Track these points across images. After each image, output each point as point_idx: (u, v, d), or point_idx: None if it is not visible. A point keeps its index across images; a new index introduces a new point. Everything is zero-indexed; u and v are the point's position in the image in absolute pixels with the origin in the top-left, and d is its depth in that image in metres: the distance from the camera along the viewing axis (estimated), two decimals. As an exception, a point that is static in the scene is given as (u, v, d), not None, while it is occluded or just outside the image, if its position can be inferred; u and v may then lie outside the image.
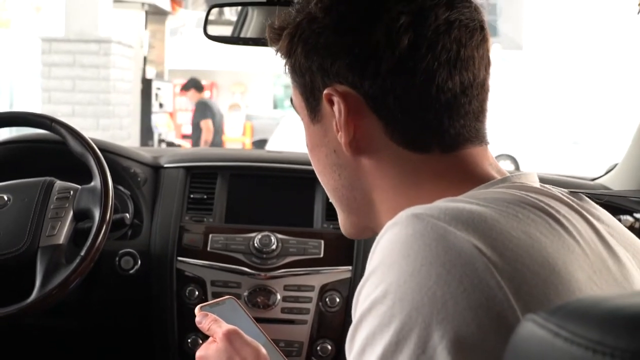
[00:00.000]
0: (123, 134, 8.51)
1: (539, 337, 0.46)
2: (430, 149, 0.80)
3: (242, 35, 1.68)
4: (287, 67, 0.87)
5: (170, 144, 10.09)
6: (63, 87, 8.08)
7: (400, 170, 0.81)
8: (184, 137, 11.67)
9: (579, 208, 0.78)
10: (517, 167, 13.20)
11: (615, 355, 0.41)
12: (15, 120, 1.67)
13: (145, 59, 10.19)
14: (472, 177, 0.80)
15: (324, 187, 0.91)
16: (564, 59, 15.97)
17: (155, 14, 10.97)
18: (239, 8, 1.67)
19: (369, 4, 0.79)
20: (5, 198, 1.55)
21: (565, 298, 0.65)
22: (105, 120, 8.11)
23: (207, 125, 8.38)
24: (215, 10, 1.78)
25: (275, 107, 18.49)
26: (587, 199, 0.84)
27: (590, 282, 0.69)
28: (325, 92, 0.81)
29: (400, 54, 0.77)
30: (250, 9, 1.65)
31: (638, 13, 1.53)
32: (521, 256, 0.65)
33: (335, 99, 0.80)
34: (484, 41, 0.82)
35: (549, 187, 0.81)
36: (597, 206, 0.85)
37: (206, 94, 9.11)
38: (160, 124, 10.25)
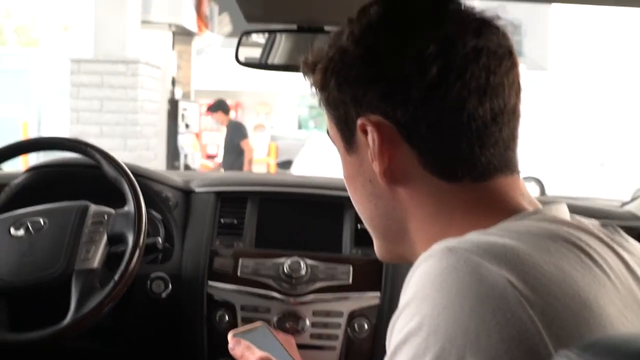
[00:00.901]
0: (150, 154, 8.60)
1: (573, 373, 0.47)
2: (462, 178, 0.81)
3: (270, 59, 1.71)
4: (321, 100, 0.88)
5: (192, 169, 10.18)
6: (91, 107, 8.20)
7: (433, 200, 0.82)
8: (209, 157, 11.76)
9: (610, 242, 0.79)
10: (543, 190, 13.13)
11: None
12: (52, 145, 1.71)
13: (173, 79, 10.31)
14: (503, 208, 0.80)
15: (360, 215, 0.92)
16: (589, 80, 15.88)
17: (182, 35, 11.10)
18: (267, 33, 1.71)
19: (397, 33, 0.80)
20: (42, 222, 1.58)
21: (597, 332, 0.66)
22: (133, 141, 8.20)
23: (247, 145, 8.51)
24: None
25: (299, 127, 18.58)
26: (619, 230, 0.85)
27: (621, 317, 0.70)
28: (359, 122, 0.82)
29: (430, 82, 0.78)
30: (278, 34, 1.69)
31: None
32: (553, 290, 0.66)
33: (369, 128, 0.81)
34: (513, 67, 0.82)
35: (580, 219, 0.82)
36: (629, 238, 0.85)
37: (231, 115, 9.16)
38: (187, 145, 10.33)
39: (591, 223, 0.83)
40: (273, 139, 14.35)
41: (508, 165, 0.83)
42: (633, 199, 2.06)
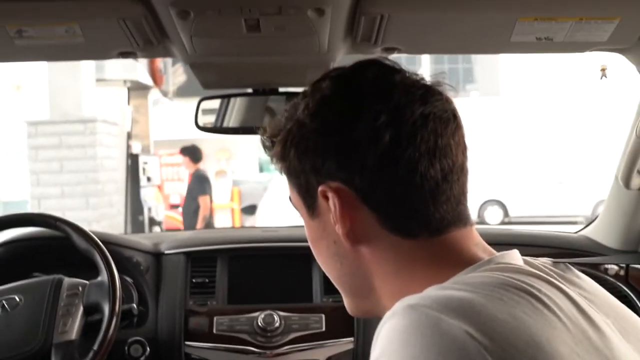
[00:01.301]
0: (113, 211, 8.55)
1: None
2: (418, 234, 0.86)
3: (225, 123, 1.76)
4: (282, 169, 0.94)
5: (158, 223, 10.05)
6: (51, 168, 8.14)
7: (394, 257, 0.88)
8: (172, 207, 11.68)
9: (560, 283, 0.85)
10: (506, 212, 13.31)
11: None
12: (21, 221, 1.74)
13: (129, 134, 10.28)
14: (459, 260, 0.86)
15: (328, 275, 0.97)
16: (542, 103, 16.20)
17: (137, 89, 11.10)
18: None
19: (349, 106, 0.87)
20: (17, 299, 1.60)
21: None
22: (95, 199, 8.15)
23: (205, 202, 8.19)
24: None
25: (261, 170, 18.57)
26: (570, 267, 0.92)
27: (573, 354, 0.75)
28: (319, 189, 0.88)
29: (383, 150, 0.84)
30: (232, 98, 1.74)
31: (601, 78, 1.63)
32: (508, 337, 0.71)
33: (330, 195, 0.87)
34: (458, 129, 0.89)
35: (531, 263, 0.89)
36: (580, 274, 0.92)
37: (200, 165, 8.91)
38: (149, 198, 10.28)
39: (543, 264, 0.89)
40: (235, 183, 14.33)
41: (461, 218, 0.89)
42: (588, 224, 2.14)
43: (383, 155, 0.84)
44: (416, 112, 0.85)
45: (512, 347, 0.71)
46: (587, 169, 13.29)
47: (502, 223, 13.27)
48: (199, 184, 8.33)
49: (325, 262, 0.95)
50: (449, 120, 0.88)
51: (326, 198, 0.88)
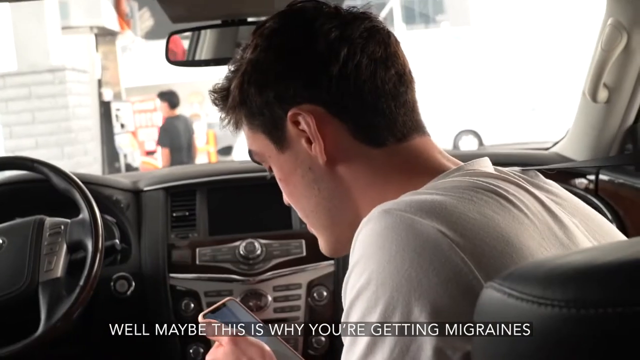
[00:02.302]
0: (89, 159, 8.51)
1: (496, 299, 0.55)
2: (385, 140, 0.91)
3: (197, 56, 1.77)
4: (241, 119, 0.96)
5: (135, 169, 9.96)
6: (23, 120, 8.05)
7: (368, 169, 0.92)
8: (148, 153, 11.63)
9: (526, 185, 0.89)
10: (480, 141, 13.40)
11: (554, 305, 0.50)
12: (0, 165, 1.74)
13: (100, 81, 10.17)
14: (429, 167, 0.91)
15: (302, 213, 1.00)
16: (513, 31, 16.16)
17: (105, 35, 10.94)
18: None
19: (300, 30, 0.92)
20: (0, 241, 1.62)
21: (520, 264, 0.75)
22: (70, 148, 8.09)
23: (164, 153, 8.08)
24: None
25: (235, 112, 18.45)
26: (538, 174, 0.96)
27: (540, 248, 0.79)
28: (289, 114, 0.91)
29: (343, 60, 0.89)
30: (203, 30, 1.74)
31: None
32: (479, 234, 0.75)
33: (301, 117, 0.90)
34: (397, 43, 0.96)
35: (500, 169, 0.92)
36: (546, 179, 0.96)
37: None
38: (124, 145, 10.23)
39: (510, 171, 0.93)
40: (210, 126, 14.26)
41: (420, 126, 0.95)
42: (558, 141, 2.19)
43: (344, 66, 0.89)
44: (361, 27, 0.92)
45: (482, 242, 0.75)
46: (560, 96, 13.37)
47: (477, 152, 13.34)
48: (162, 135, 8.12)
49: (301, 195, 0.98)
50: (390, 33, 0.95)
51: (296, 123, 0.91)
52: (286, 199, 1.02)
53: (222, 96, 0.97)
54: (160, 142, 8.14)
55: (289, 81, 0.91)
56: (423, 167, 0.91)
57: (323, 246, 1.04)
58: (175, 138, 8.03)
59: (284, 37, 0.92)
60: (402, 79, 0.93)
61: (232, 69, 0.96)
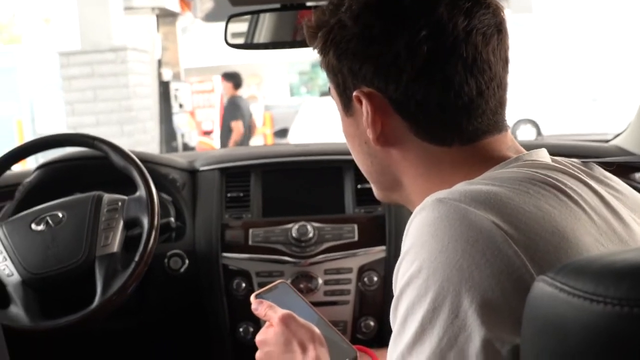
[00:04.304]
0: (147, 137, 8.64)
1: (548, 293, 0.54)
2: (451, 143, 0.89)
3: (255, 39, 1.77)
4: (322, 63, 0.96)
5: (191, 149, 10.14)
6: (85, 98, 8.22)
7: (424, 161, 0.91)
8: (205, 133, 11.76)
9: (586, 178, 0.87)
10: (539, 131, 13.18)
11: (607, 302, 0.49)
12: (60, 142, 1.78)
13: (160, 61, 10.30)
14: (489, 160, 0.89)
15: (359, 167, 1.01)
16: (575, 18, 15.81)
17: (166, 16, 11.05)
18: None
19: (392, 17, 0.87)
20: (60, 215, 1.67)
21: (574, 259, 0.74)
22: (129, 126, 8.24)
23: (237, 126, 8.37)
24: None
25: (292, 94, 18.53)
26: (596, 167, 0.94)
27: (597, 244, 0.78)
28: (354, 93, 0.91)
29: (419, 65, 0.85)
30: (262, 14, 1.75)
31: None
32: (534, 227, 0.75)
33: (363, 100, 0.90)
34: (501, 43, 0.89)
35: (558, 161, 0.91)
36: (606, 173, 0.94)
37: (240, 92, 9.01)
38: (182, 124, 10.36)
39: (571, 163, 0.91)
40: (267, 108, 14.34)
41: (496, 127, 0.91)
42: (619, 134, 2.14)
43: (419, 70, 0.85)
44: (458, 27, 0.85)
45: (537, 236, 0.74)
46: (623, 86, 13.05)
47: (535, 142, 13.09)
48: (232, 111, 8.46)
49: (357, 157, 1.00)
50: (492, 36, 0.88)
51: (360, 102, 0.91)
52: None
53: (312, 34, 0.96)
54: (232, 116, 8.41)
55: (364, 62, 0.89)
56: (483, 161, 0.89)
57: (375, 193, 1.04)
58: (240, 115, 8.29)
59: (373, 16, 0.88)
60: (484, 92, 0.87)
61: (330, 9, 0.92)
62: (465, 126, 0.88)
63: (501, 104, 0.91)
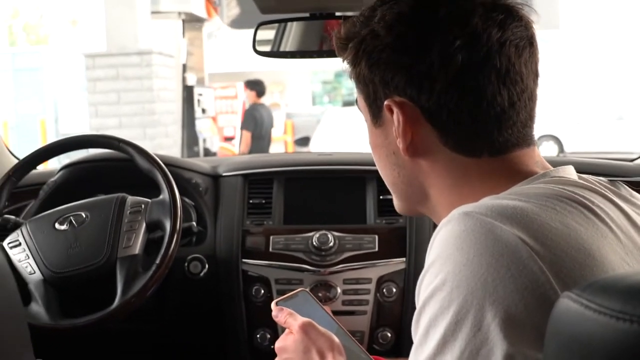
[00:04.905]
0: (169, 141, 8.70)
1: (573, 310, 0.54)
2: (480, 154, 0.89)
3: (282, 47, 1.79)
4: (352, 74, 0.96)
5: (213, 154, 10.17)
6: (109, 100, 8.29)
7: (453, 172, 0.91)
8: (227, 139, 11.81)
9: (613, 197, 0.87)
10: (562, 148, 13.10)
11: (634, 320, 0.49)
12: (87, 143, 1.80)
13: (184, 66, 10.36)
14: (517, 175, 0.89)
15: (384, 179, 1.01)
16: (602, 36, 15.72)
17: (192, 22, 11.13)
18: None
19: (426, 27, 0.87)
20: (84, 215, 1.68)
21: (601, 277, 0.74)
22: (152, 130, 8.29)
23: (246, 136, 8.33)
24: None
25: (314, 103, 18.59)
26: (623, 186, 0.93)
27: (622, 263, 0.77)
28: (385, 103, 0.91)
29: (452, 75, 0.86)
30: (289, 22, 1.76)
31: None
32: (559, 244, 0.74)
33: (395, 109, 0.90)
34: (532, 56, 0.90)
35: (585, 178, 0.90)
36: (633, 192, 0.93)
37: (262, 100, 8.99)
38: (204, 129, 10.41)
39: (597, 180, 0.91)
40: (288, 116, 14.39)
41: (525, 140, 0.91)
42: (644, 153, 2.12)
43: (453, 80, 0.86)
44: (492, 39, 0.86)
45: (562, 253, 0.74)
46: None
47: (557, 159, 12.99)
48: (246, 119, 8.42)
49: (383, 168, 0.99)
50: (525, 48, 0.88)
51: (391, 111, 0.91)
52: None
53: (342, 45, 0.96)
54: (245, 125, 8.38)
55: (396, 72, 0.89)
56: (511, 175, 0.89)
57: (396, 206, 1.04)
58: (259, 124, 8.26)
59: (407, 27, 0.89)
60: (516, 103, 0.88)
61: (361, 20, 0.93)
62: (496, 137, 0.88)
63: (531, 117, 0.91)
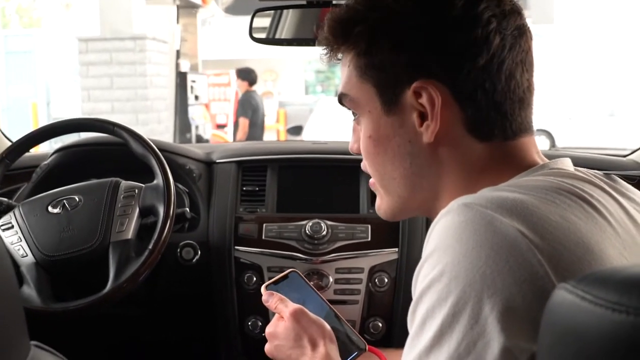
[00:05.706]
0: (161, 127, 8.68)
1: (569, 301, 0.54)
2: (495, 137, 0.90)
3: (277, 34, 1.78)
4: (354, 62, 0.93)
5: (205, 141, 10.15)
6: (101, 85, 8.27)
7: (467, 159, 0.91)
8: (219, 126, 11.78)
9: (611, 190, 0.87)
10: (553, 142, 13.13)
11: (630, 312, 0.49)
12: (81, 126, 1.79)
13: (178, 52, 10.32)
14: (521, 164, 0.90)
15: (380, 175, 0.98)
16: (596, 32, 15.74)
17: (186, 8, 11.08)
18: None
19: (463, 5, 0.88)
20: (77, 199, 1.68)
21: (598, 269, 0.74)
22: (144, 115, 8.28)
23: (243, 123, 8.32)
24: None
25: (307, 92, 18.56)
26: (619, 180, 0.93)
27: (620, 257, 0.77)
28: (414, 85, 0.88)
29: (492, 53, 0.87)
30: (285, 10, 1.75)
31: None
32: (559, 237, 0.74)
33: (430, 91, 0.88)
34: (531, 45, 0.94)
35: (584, 171, 0.91)
36: (629, 186, 0.94)
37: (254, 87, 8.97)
38: (197, 116, 10.38)
39: (594, 173, 0.91)
40: (281, 105, 14.36)
41: (530, 127, 0.93)
42: (637, 149, 2.13)
43: (491, 59, 0.87)
44: (516, 23, 0.90)
45: (561, 246, 0.74)
46: (640, 102, 12.99)
47: (549, 153, 13.00)
48: (242, 107, 8.42)
49: (388, 161, 0.95)
50: (532, 36, 0.93)
51: (417, 95, 0.89)
52: (365, 156, 0.99)
53: (339, 30, 0.93)
54: (242, 112, 8.34)
55: (429, 54, 0.88)
56: (516, 164, 0.90)
57: (383, 208, 1.01)
58: (255, 111, 8.25)
59: (445, 2, 0.88)
60: (532, 86, 0.92)
61: (367, 5, 0.91)
62: (516, 117, 0.90)
63: (533, 103, 0.94)
